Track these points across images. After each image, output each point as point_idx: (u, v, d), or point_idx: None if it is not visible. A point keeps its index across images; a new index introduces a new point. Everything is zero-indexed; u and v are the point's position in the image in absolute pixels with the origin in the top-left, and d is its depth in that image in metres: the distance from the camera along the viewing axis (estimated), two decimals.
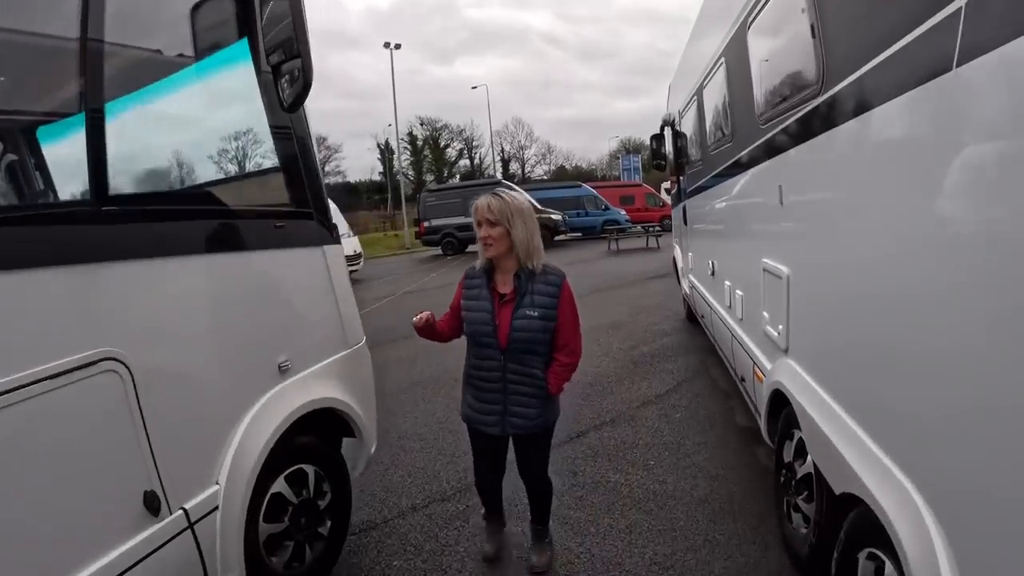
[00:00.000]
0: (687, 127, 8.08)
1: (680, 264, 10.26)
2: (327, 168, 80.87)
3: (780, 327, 3.68)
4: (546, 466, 3.73)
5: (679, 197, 9.49)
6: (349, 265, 21.07)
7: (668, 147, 10.31)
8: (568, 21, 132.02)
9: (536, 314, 3.23)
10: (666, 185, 46.23)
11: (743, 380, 5.09)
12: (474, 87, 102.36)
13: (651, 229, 27.81)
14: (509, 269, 3.32)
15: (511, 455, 3.73)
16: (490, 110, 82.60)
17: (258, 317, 3.24)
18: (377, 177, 79.84)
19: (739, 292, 5.04)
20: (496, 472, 3.78)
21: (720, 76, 5.25)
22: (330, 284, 3.82)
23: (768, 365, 4.02)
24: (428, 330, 3.50)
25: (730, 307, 5.47)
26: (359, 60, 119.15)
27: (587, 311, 10.98)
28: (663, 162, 10.50)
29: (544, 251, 3.36)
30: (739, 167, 4.67)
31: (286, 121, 3.50)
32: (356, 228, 57.75)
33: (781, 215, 3.59)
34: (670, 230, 30.15)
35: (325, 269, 3.78)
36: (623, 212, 35.61)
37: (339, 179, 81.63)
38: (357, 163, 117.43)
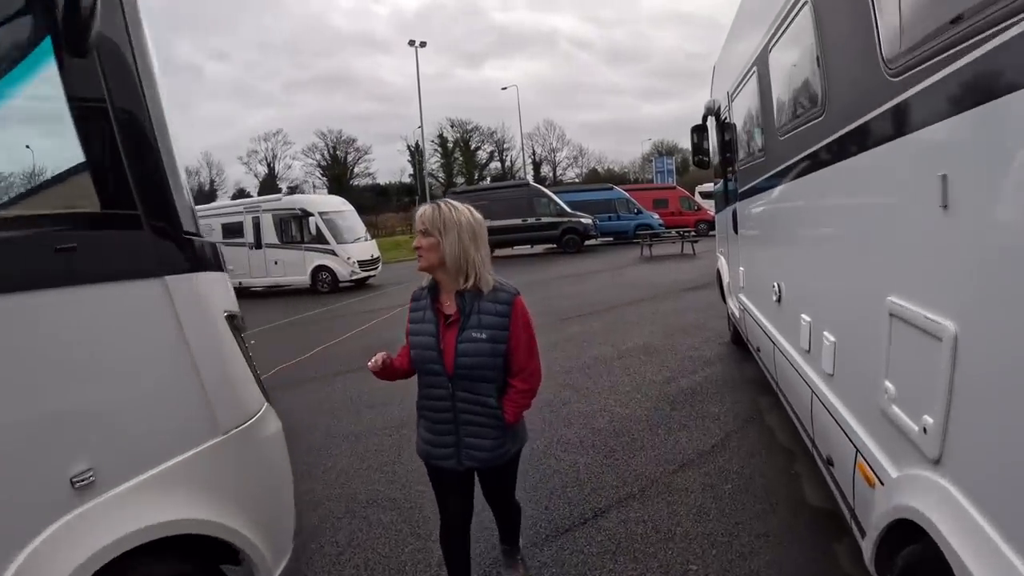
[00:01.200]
0: (740, 111, 6.42)
1: (727, 280, 8.62)
2: (356, 169, 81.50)
3: (928, 419, 2.14)
4: (512, 491, 3.56)
5: (726, 199, 7.84)
6: (366, 270, 19.96)
7: (711, 140, 8.72)
8: (595, 23, 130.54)
9: (484, 336, 2.98)
10: (702, 188, 45.45)
11: (830, 463, 3.51)
12: (504, 88, 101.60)
13: (687, 234, 26.16)
14: (453, 288, 3.07)
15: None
16: (520, 112, 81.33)
17: (22, 406, 2.08)
18: (407, 179, 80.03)
19: (829, 336, 3.43)
20: (462, 515, 3.37)
21: (803, 22, 3.65)
22: (180, 337, 2.45)
23: (893, 471, 2.48)
24: (386, 371, 3.20)
25: (809, 352, 3.89)
26: (387, 63, 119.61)
27: (617, 329, 10.04)
28: (705, 158, 8.81)
29: (490, 267, 3.09)
30: (839, 151, 3.09)
31: (83, 64, 2.17)
32: (383, 230, 58.58)
33: (943, 227, 2.03)
34: (706, 235, 29.50)
35: (170, 315, 2.41)
36: (656, 216, 34.26)
37: (369, 181, 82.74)
38: (388, 165, 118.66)
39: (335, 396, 8.27)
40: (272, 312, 17.73)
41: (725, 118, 7.55)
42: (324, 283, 22.92)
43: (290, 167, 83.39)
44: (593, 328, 11.17)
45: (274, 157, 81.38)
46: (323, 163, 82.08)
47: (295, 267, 23.22)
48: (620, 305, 13.19)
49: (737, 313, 7.41)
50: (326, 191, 71.59)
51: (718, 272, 9.56)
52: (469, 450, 3.14)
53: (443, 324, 3.08)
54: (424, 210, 3.06)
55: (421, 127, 47.94)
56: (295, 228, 23.37)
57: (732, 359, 8.22)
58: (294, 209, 23.38)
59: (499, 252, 30.49)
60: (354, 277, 22.90)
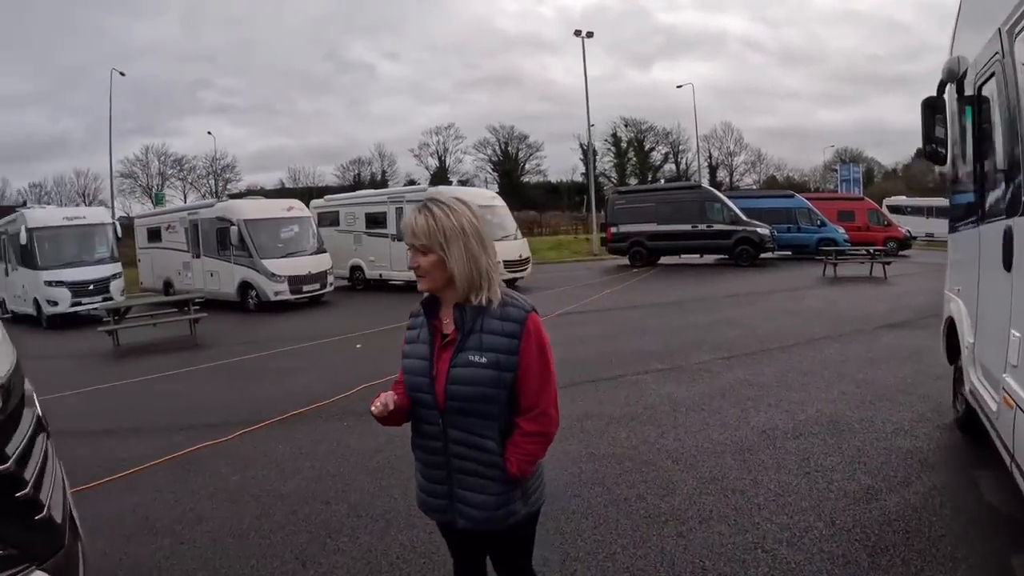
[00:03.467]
0: None
1: (967, 338, 5.38)
2: (527, 166, 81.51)
3: None
4: (526, 565, 2.81)
5: (981, 211, 4.96)
6: (513, 271, 18.31)
7: (952, 123, 5.68)
8: (765, 23, 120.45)
9: (484, 360, 2.42)
10: (891, 200, 41.05)
11: None
12: (679, 86, 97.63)
13: (878, 254, 22.28)
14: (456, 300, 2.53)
15: None
16: (696, 111, 77.13)
17: None
18: (578, 178, 78.87)
19: None
20: None
21: None
22: None
23: None
24: (393, 416, 2.55)
25: None
26: (556, 64, 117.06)
27: (792, 383, 8.22)
28: (941, 149, 5.72)
29: (498, 280, 2.53)
30: None
31: None
32: (547, 228, 58.09)
33: None
34: (895, 255, 25.91)
35: None
36: (842, 230, 30.34)
37: (540, 178, 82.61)
38: (559, 164, 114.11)
39: None
40: (406, 310, 16.58)
41: (983, 82, 4.72)
42: None
43: (461, 161, 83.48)
44: (762, 376, 8.47)
45: (445, 151, 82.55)
46: (494, 158, 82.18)
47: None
48: (798, 344, 10.45)
49: (993, 404, 4.40)
50: (497, 186, 71.96)
51: (948, 323, 6.22)
52: (463, 505, 2.56)
53: (439, 345, 2.55)
54: (415, 219, 2.47)
55: (589, 123, 45.78)
56: None
57: (964, 463, 5.34)
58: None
59: (665, 260, 28.18)
60: (500, 278, 21.09)
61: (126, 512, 5.38)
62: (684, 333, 12.00)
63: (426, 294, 2.63)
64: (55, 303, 20.53)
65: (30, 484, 2.48)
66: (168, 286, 24.52)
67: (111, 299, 20.42)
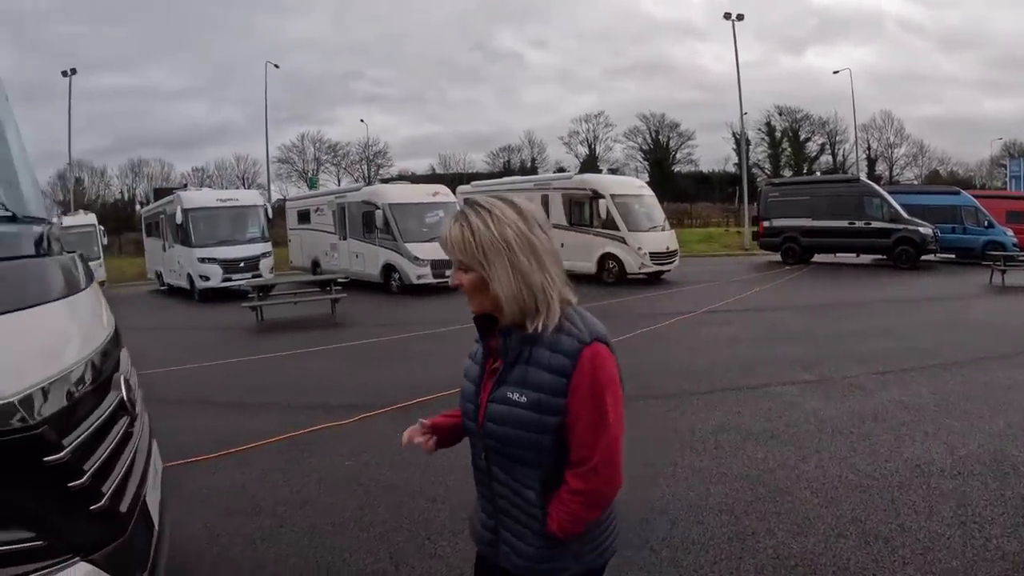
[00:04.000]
0: None
1: None
2: (678, 155, 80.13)
3: None
4: None
5: None
6: (659, 264, 17.75)
7: None
8: (924, 4, 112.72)
9: (523, 399, 2.05)
10: None
11: None
12: (835, 72, 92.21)
13: None
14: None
15: None
16: (854, 99, 72.43)
17: None
18: (731, 168, 76.26)
19: None
20: None
21: None
22: None
23: None
24: (440, 437, 2.42)
25: None
26: (705, 50, 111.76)
27: (952, 409, 7.21)
28: None
29: (573, 297, 2.11)
30: None
31: None
32: (697, 220, 56.69)
33: None
34: None
35: None
36: (1010, 232, 26.99)
37: (691, 168, 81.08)
38: (711, 154, 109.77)
39: None
40: None
41: None
42: (610, 273, 21.07)
43: (611, 149, 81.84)
44: (919, 398, 7.50)
45: (595, 139, 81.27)
46: (645, 147, 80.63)
47: (581, 252, 21.41)
48: (960, 362, 9.31)
49: None
50: (647, 175, 70.91)
51: None
52: (506, 547, 2.24)
53: (489, 368, 2.21)
54: (450, 230, 2.08)
55: (742, 111, 44.19)
56: (584, 210, 21.72)
57: None
58: (585, 189, 21.77)
59: (819, 258, 26.79)
60: (644, 270, 20.69)
61: (235, 488, 5.47)
62: (835, 342, 11.10)
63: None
64: (207, 278, 21.73)
65: (88, 474, 2.42)
66: (316, 266, 25.40)
67: (260, 276, 21.37)
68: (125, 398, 3.07)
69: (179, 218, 22.64)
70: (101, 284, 22.55)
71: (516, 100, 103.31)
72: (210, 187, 35.74)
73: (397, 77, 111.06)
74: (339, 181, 72.10)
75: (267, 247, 23.67)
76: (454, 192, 24.85)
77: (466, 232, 2.04)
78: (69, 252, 3.77)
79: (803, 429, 6.56)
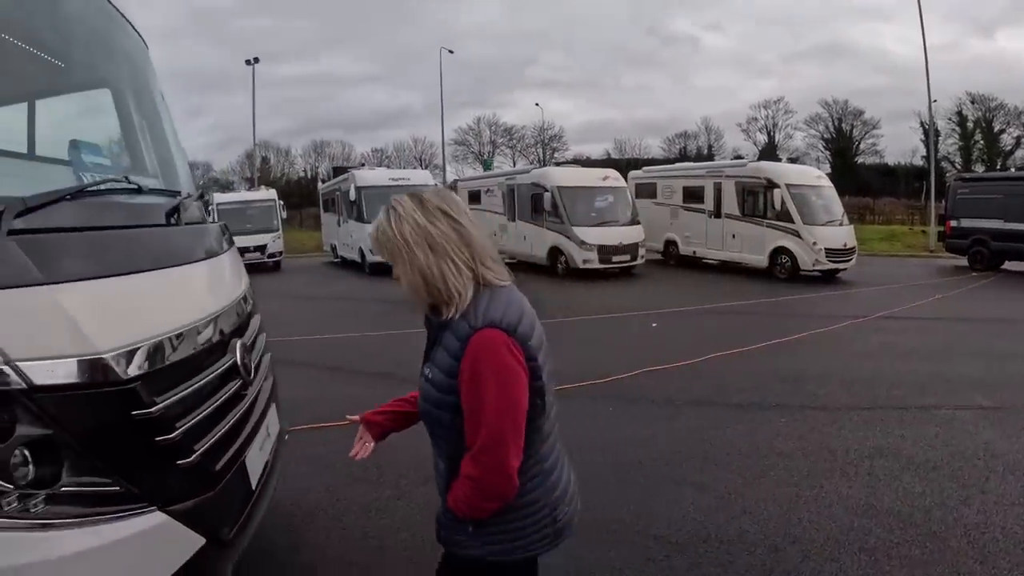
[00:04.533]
0: None
1: None
2: (862, 145, 75.83)
3: None
4: None
5: None
6: (835, 261, 16.87)
7: None
8: None
9: (431, 376, 2.20)
10: None
11: None
12: None
13: None
14: None
15: None
16: None
17: None
18: (918, 161, 70.80)
19: None
20: None
21: None
22: None
23: None
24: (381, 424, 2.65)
25: None
26: (889, 32, 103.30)
27: None
28: None
29: (501, 277, 2.18)
30: None
31: None
32: (879, 216, 53.21)
33: None
34: None
35: None
36: None
37: (876, 159, 76.35)
38: (898, 145, 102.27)
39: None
40: (717, 292, 16.49)
41: None
42: (783, 269, 19.95)
43: (791, 137, 78.27)
44: None
45: (774, 126, 77.91)
46: (826, 135, 76.54)
47: (753, 244, 20.69)
48: None
49: None
50: (829, 166, 67.50)
51: None
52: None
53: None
54: (377, 226, 2.21)
55: (930, 99, 40.58)
56: (758, 200, 20.77)
57: None
58: (759, 178, 20.74)
59: (1010, 265, 24.27)
60: (818, 267, 19.41)
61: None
62: (1022, 364, 9.63)
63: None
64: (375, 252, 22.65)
65: (180, 432, 2.56)
66: None
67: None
68: (239, 362, 3.21)
69: (352, 195, 23.67)
70: (279, 255, 23.85)
71: (691, 85, 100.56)
72: (388, 167, 37.44)
73: (571, 62, 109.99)
74: (514, 164, 73.06)
75: None
76: (626, 178, 24.64)
77: (377, 232, 2.18)
78: (212, 222, 4.01)
79: (971, 463, 5.69)
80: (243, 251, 23.71)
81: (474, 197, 27.07)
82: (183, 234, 3.38)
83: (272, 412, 3.71)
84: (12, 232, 2.31)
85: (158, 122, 4.13)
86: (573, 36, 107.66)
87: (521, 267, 20.99)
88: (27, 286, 2.26)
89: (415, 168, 51.84)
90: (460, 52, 55.47)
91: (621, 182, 23.07)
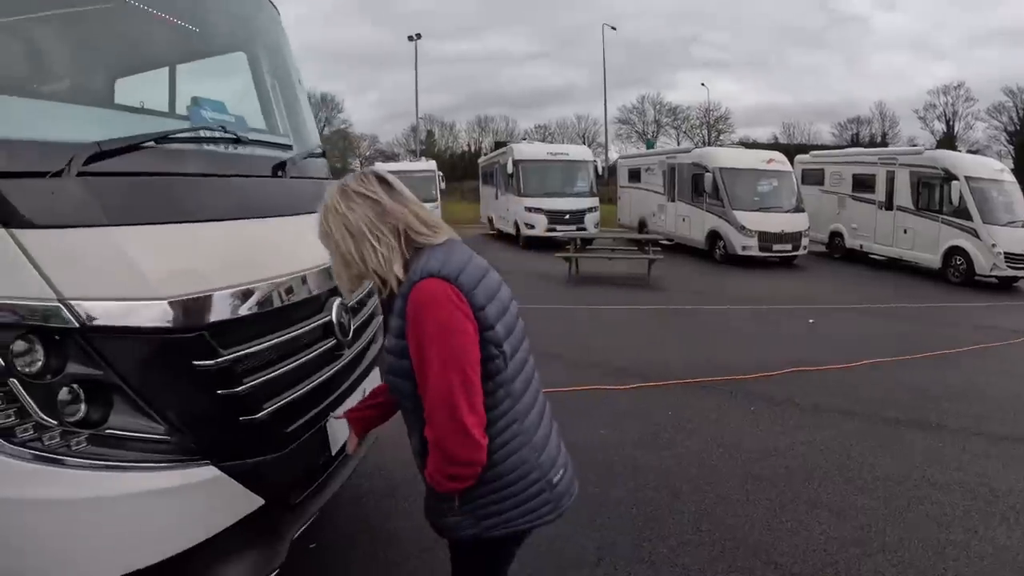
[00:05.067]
0: None
1: None
2: None
3: None
4: None
5: None
6: (1013, 267, 15.51)
7: None
8: None
9: (387, 344, 2.19)
10: None
11: None
12: None
13: None
14: None
15: None
16: None
17: None
18: None
19: None
20: None
21: None
22: None
23: None
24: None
25: None
26: None
27: None
28: None
29: (433, 236, 2.13)
30: None
31: None
32: None
33: None
34: None
35: None
36: None
37: None
38: None
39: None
40: (882, 291, 15.34)
41: None
42: (956, 271, 17.78)
43: (971, 127, 71.50)
44: None
45: (953, 114, 71.70)
46: (1010, 127, 69.51)
47: (926, 241, 18.67)
48: None
49: None
50: (1011, 161, 61.83)
51: None
52: None
53: None
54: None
55: None
56: (933, 193, 18.74)
57: None
58: (935, 168, 18.69)
59: None
60: (995, 272, 17.16)
61: None
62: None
63: None
64: (531, 226, 22.54)
65: (247, 387, 2.49)
66: (642, 225, 25.14)
67: (584, 230, 21.47)
68: (334, 321, 3.12)
69: (510, 168, 23.71)
70: None
71: (864, 68, 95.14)
72: (551, 143, 38.16)
73: (738, 42, 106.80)
74: (678, 144, 71.81)
75: (594, 202, 23.90)
76: (792, 162, 23.31)
77: (320, 223, 2.17)
78: (322, 178, 3.97)
79: None
80: None
81: (634, 175, 26.60)
82: (286, 187, 3.35)
83: (375, 375, 3.61)
84: (81, 174, 2.31)
85: (288, 83, 4.18)
86: (738, 14, 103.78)
87: (678, 249, 20.52)
88: (89, 226, 2.25)
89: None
90: (623, 30, 55.12)
91: (787, 166, 21.68)
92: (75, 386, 2.18)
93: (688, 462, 5.12)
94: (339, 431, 3.00)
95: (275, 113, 4.04)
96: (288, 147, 3.68)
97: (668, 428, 5.85)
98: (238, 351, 2.51)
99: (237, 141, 3.13)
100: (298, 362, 2.84)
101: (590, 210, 23.44)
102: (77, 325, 2.14)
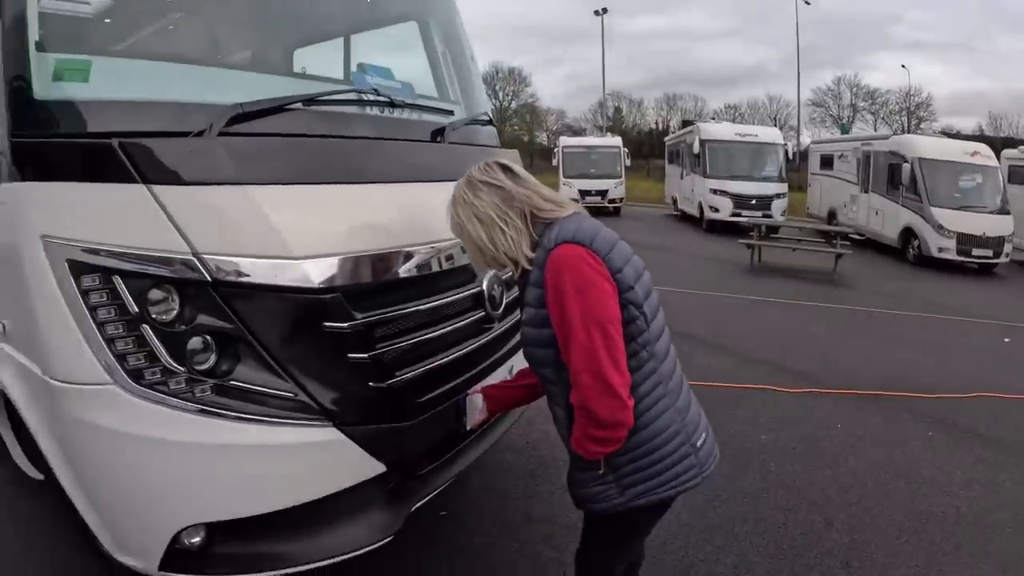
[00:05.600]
0: None
1: None
2: None
3: None
4: (585, 556, 2.43)
5: None
6: None
7: None
8: None
9: (524, 317, 2.22)
10: None
11: None
12: None
13: None
14: None
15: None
16: None
17: None
18: None
19: None
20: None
21: None
22: None
23: None
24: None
25: None
26: None
27: None
28: None
29: (558, 209, 2.20)
30: None
31: None
32: None
33: None
34: None
35: None
36: None
37: None
38: None
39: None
40: None
41: None
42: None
43: None
44: None
45: None
46: None
47: None
48: None
49: None
50: None
51: None
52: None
53: None
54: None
55: None
56: None
57: None
58: None
59: None
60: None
61: None
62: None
63: None
64: (716, 210, 22.09)
65: (379, 352, 2.51)
66: (832, 216, 23.74)
67: (770, 216, 20.99)
68: (485, 292, 3.08)
69: (696, 148, 23.24)
70: (619, 201, 24.41)
71: None
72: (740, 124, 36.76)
73: (942, 21, 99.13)
74: (875, 131, 67.50)
75: (782, 188, 22.95)
76: (998, 157, 20.69)
77: (449, 212, 2.29)
78: (497, 147, 4.03)
79: None
80: (584, 194, 24.72)
81: (826, 162, 25.17)
82: (446, 153, 3.31)
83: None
84: (223, 134, 2.40)
85: (459, 51, 4.27)
86: None
87: (868, 245, 19.40)
88: (226, 184, 2.32)
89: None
90: (818, 6, 51.98)
91: (993, 161, 19.26)
92: (206, 337, 2.28)
93: (849, 485, 4.81)
94: (476, 407, 2.96)
95: (445, 81, 4.10)
96: (449, 112, 3.68)
97: (834, 443, 5.54)
98: (373, 316, 2.53)
99: (391, 104, 3.14)
100: (440, 331, 2.84)
101: (778, 196, 22.57)
102: (209, 279, 2.23)
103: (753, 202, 21.91)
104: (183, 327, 2.26)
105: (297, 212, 2.43)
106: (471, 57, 4.35)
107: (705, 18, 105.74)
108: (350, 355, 2.44)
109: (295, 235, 2.36)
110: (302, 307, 2.37)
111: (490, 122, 4.15)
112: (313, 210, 2.49)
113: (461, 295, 3.00)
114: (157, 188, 2.22)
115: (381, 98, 3.09)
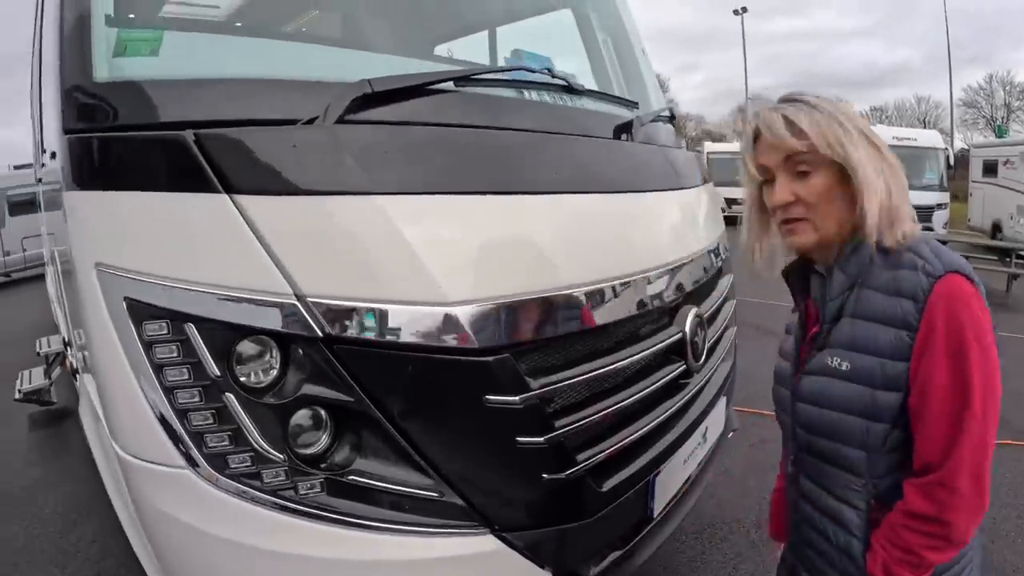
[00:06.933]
0: None
1: None
2: None
3: None
4: None
5: None
6: None
7: None
8: None
9: (847, 367, 1.48)
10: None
11: None
12: None
13: None
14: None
15: None
16: None
17: None
18: None
19: None
20: None
21: None
22: None
23: None
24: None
25: None
26: None
27: None
28: None
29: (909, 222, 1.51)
30: None
31: None
32: None
33: None
34: None
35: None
36: None
37: None
38: None
39: None
40: None
41: None
42: None
43: None
44: None
45: None
46: None
47: None
48: None
49: None
50: None
51: None
52: None
53: (808, 336, 1.65)
54: (785, 114, 1.51)
55: None
56: None
57: None
58: None
59: None
60: None
61: None
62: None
63: (791, 257, 1.67)
64: None
65: (559, 432, 1.87)
66: (996, 229, 21.56)
67: (931, 229, 19.25)
68: (687, 340, 2.36)
69: None
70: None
71: None
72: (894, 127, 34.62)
73: None
74: None
75: (944, 197, 20.88)
76: None
77: (814, 114, 1.51)
78: (680, 148, 3.33)
79: None
80: (731, 204, 23.60)
81: (989, 169, 23.06)
82: (632, 155, 2.57)
83: (719, 409, 2.79)
84: (342, 122, 1.80)
85: (623, 39, 3.65)
86: None
87: None
88: (347, 194, 1.70)
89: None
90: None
91: None
92: (315, 412, 1.73)
93: None
94: (669, 484, 2.38)
95: (610, 76, 3.44)
96: (635, 104, 3.00)
97: None
98: (555, 383, 1.91)
99: (568, 90, 2.51)
100: (632, 397, 2.16)
101: (939, 206, 20.54)
102: (320, 333, 1.66)
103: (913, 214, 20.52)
104: (283, 399, 1.70)
105: (449, 235, 1.83)
106: (642, 50, 3.71)
107: (840, 17, 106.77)
108: (520, 439, 1.83)
109: (447, 270, 1.76)
110: (455, 374, 1.76)
111: (673, 118, 3.45)
112: (471, 233, 1.86)
113: (660, 344, 2.27)
114: (245, 200, 1.65)
115: (557, 81, 2.45)
